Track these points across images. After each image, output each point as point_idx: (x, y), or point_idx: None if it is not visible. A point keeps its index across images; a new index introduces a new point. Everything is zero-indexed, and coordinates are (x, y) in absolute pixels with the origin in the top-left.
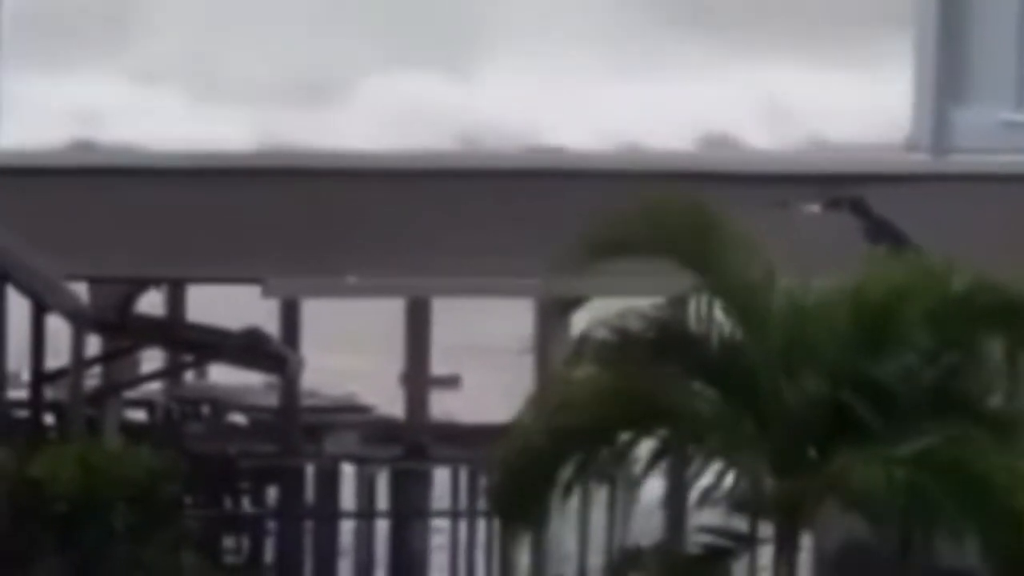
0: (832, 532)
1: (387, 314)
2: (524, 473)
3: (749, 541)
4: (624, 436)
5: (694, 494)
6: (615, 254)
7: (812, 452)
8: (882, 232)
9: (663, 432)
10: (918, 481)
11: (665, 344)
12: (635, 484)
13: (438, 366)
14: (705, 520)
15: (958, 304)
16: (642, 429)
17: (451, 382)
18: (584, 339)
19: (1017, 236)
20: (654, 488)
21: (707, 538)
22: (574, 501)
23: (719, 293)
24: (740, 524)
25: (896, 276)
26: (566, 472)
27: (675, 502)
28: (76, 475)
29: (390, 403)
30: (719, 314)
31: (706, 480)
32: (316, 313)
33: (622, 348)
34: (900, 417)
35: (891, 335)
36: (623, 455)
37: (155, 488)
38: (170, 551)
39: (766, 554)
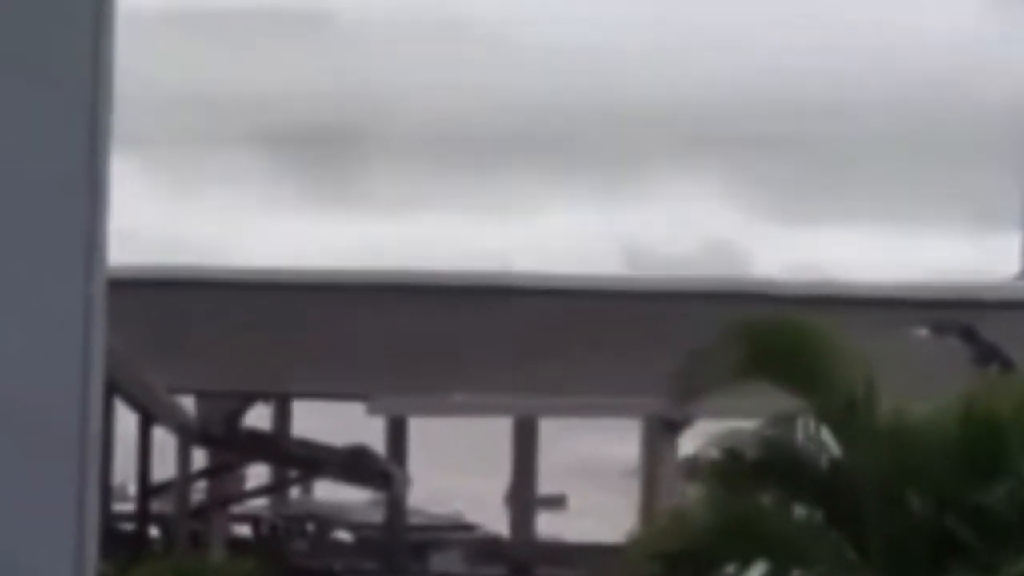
0: None
1: (493, 433)
2: None
3: None
4: (730, 566)
5: None
6: (721, 378)
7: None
8: (990, 358)
9: (769, 561)
10: None
11: (772, 466)
12: None
13: (544, 485)
14: None
15: None
16: (748, 558)
17: (557, 502)
18: (693, 461)
19: None
20: None
21: None
22: None
23: (824, 413)
24: None
25: (1002, 400)
26: None
27: None
28: None
29: (496, 522)
30: (825, 435)
31: None
32: (423, 430)
33: (730, 470)
34: (1002, 541)
35: (997, 459)
36: None
37: None
38: None
39: None
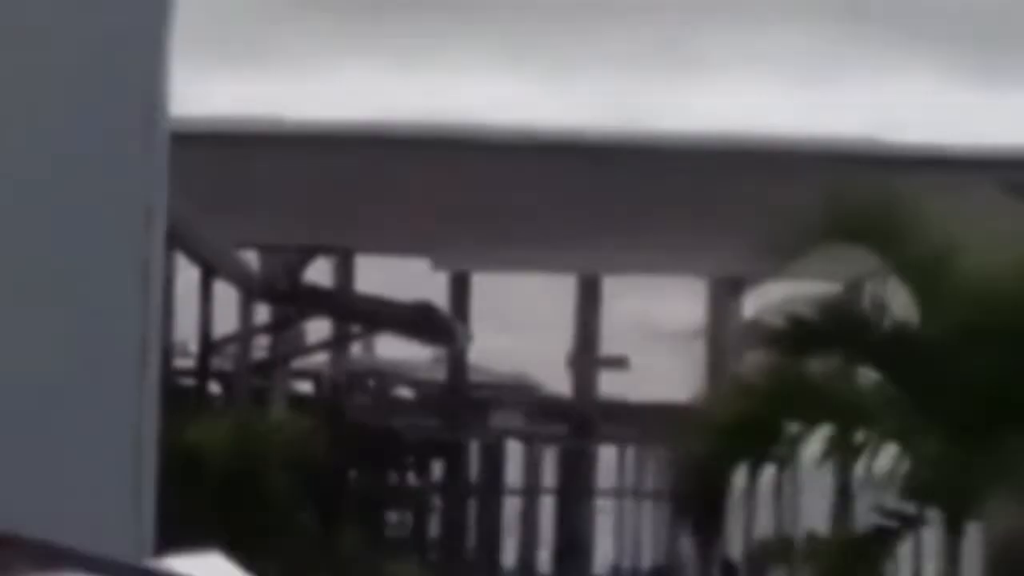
0: (1001, 521)
1: (558, 294)
2: (702, 468)
3: (916, 523)
4: (794, 427)
5: (862, 478)
6: (801, 240)
7: (984, 437)
8: None
9: (831, 424)
10: None
11: (836, 329)
12: (805, 471)
13: (606, 346)
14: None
15: None
16: (812, 420)
17: (619, 363)
18: (756, 324)
19: None
20: (821, 470)
21: (876, 518)
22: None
23: (898, 271)
24: (907, 509)
25: None
26: (740, 460)
27: (843, 485)
28: (231, 442)
29: (557, 381)
30: (893, 296)
31: (875, 464)
32: (486, 289)
33: (792, 334)
34: None
35: None
36: (794, 445)
37: (310, 456)
38: (329, 521)
39: (931, 542)
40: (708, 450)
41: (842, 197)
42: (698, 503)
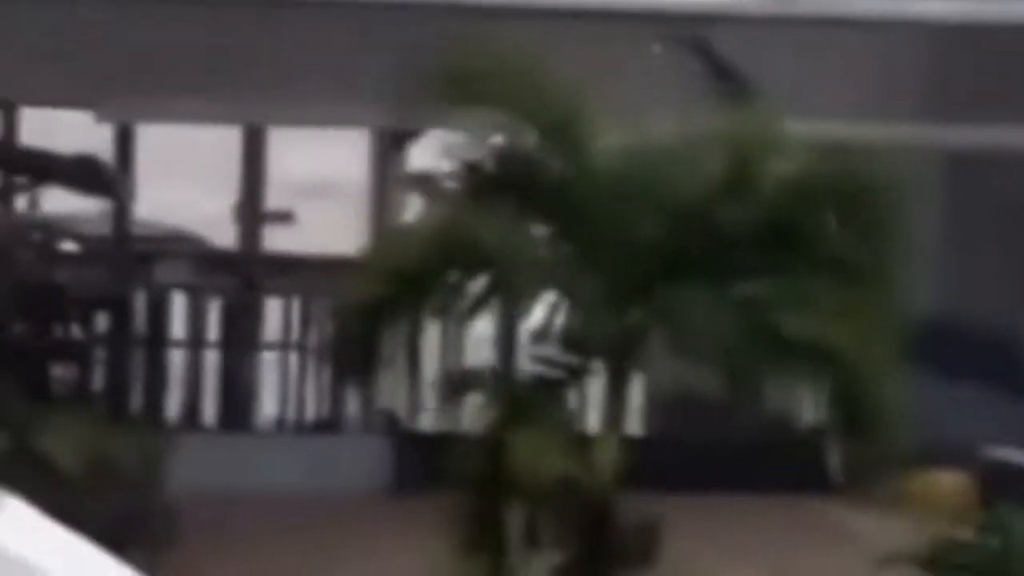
0: (664, 377)
1: (223, 147)
2: (359, 318)
3: (579, 373)
4: (453, 278)
5: (524, 330)
6: (438, 96)
7: (644, 291)
8: (725, 76)
9: (492, 272)
10: (747, 324)
11: (501, 180)
12: (464, 320)
13: (272, 200)
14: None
15: (807, 183)
16: (470, 270)
17: (285, 217)
18: (419, 176)
19: (857, 83)
20: (485, 326)
21: (539, 368)
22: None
23: (545, 134)
24: (570, 360)
25: (746, 123)
26: (399, 314)
27: (505, 338)
28: None
29: (223, 235)
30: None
31: (537, 316)
32: (151, 144)
33: (464, 183)
34: (734, 261)
35: (738, 183)
36: (452, 295)
37: None
38: None
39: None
40: (366, 301)
41: (462, 58)
42: (353, 354)
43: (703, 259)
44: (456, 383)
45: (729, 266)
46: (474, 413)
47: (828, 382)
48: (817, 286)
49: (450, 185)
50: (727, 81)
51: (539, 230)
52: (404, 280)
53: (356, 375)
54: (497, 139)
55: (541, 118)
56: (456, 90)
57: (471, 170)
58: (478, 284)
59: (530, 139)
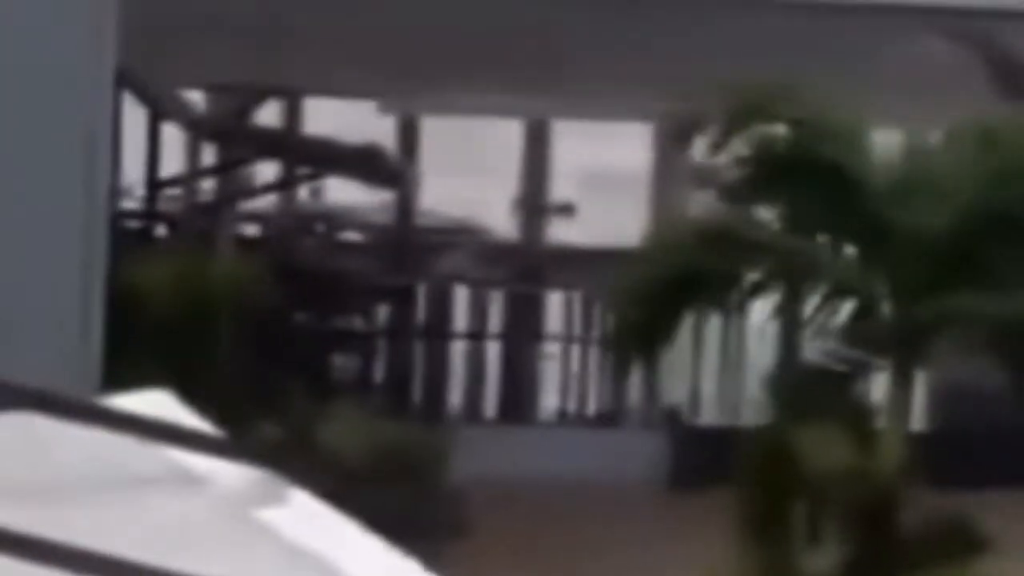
0: (946, 371)
1: (506, 139)
2: (642, 306)
3: (864, 368)
4: (729, 268)
5: (809, 327)
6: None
7: (935, 288)
8: (1010, 68)
9: (769, 264)
10: None
11: (787, 174)
12: (739, 309)
13: (555, 192)
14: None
15: None
16: (746, 262)
17: (566, 209)
18: (704, 169)
19: None
20: (769, 323)
21: (824, 361)
22: (686, 326)
23: (832, 133)
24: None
25: None
26: (678, 303)
27: (788, 335)
28: (176, 284)
29: (505, 226)
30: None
31: (822, 313)
32: (435, 134)
33: (742, 178)
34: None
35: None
36: (728, 287)
37: (250, 296)
38: (273, 364)
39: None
40: (651, 298)
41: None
42: (638, 349)
43: (990, 257)
44: (739, 377)
45: (1016, 266)
46: (756, 408)
47: None
48: None
49: (732, 178)
50: (1012, 77)
51: (822, 225)
52: (682, 270)
53: (635, 361)
54: (788, 134)
55: (828, 117)
56: (747, 100)
57: (757, 163)
58: (754, 276)
59: (816, 136)
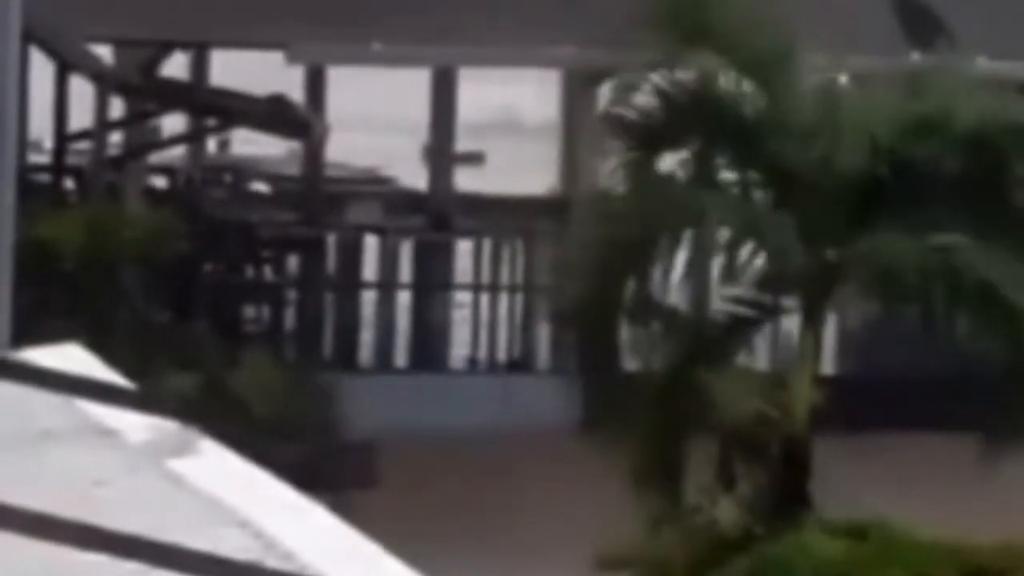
0: (852, 312)
1: (412, 88)
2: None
3: (773, 311)
4: (663, 240)
5: (718, 268)
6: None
7: (843, 229)
8: (914, 9)
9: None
10: (947, 268)
11: (695, 118)
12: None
13: (462, 141)
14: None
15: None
16: (677, 232)
17: (475, 158)
18: (610, 116)
19: None
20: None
21: (732, 307)
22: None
23: (745, 68)
24: (764, 299)
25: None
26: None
27: (698, 276)
28: (85, 236)
29: (414, 175)
30: (748, 88)
31: (732, 259)
32: (341, 86)
33: (650, 124)
34: (933, 200)
35: (936, 127)
36: (664, 255)
37: (159, 248)
38: (184, 315)
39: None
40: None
41: None
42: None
43: (899, 203)
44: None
45: (924, 212)
46: (663, 352)
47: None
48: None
49: (640, 124)
50: (918, 17)
51: (731, 170)
52: (620, 247)
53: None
54: (693, 77)
55: (744, 55)
56: (677, 19)
57: (656, 110)
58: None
59: (726, 79)
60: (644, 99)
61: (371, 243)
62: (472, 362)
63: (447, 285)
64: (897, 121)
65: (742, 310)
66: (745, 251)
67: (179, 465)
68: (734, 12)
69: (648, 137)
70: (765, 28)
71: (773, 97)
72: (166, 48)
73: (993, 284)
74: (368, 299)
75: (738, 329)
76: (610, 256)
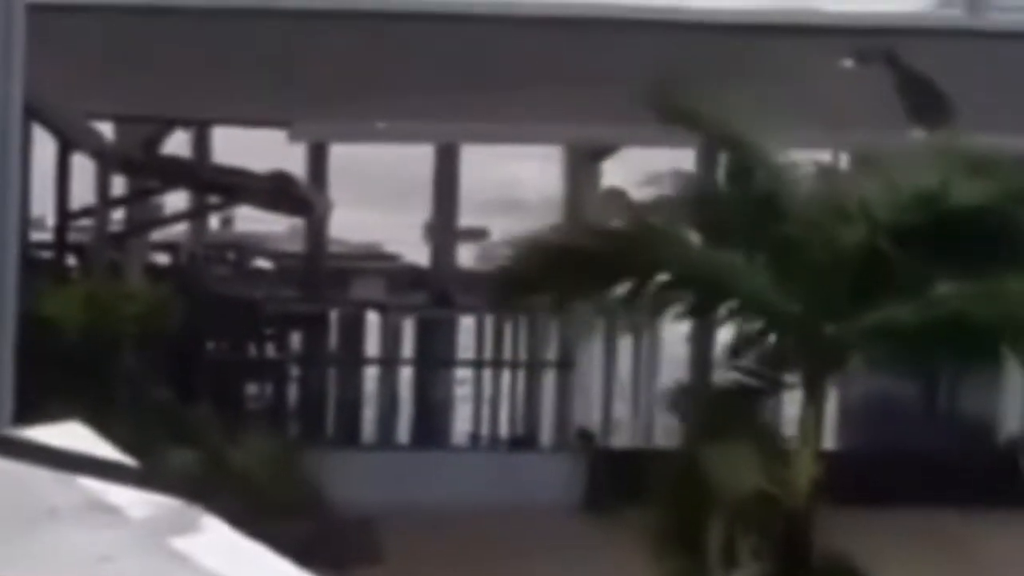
0: (855, 384)
1: (415, 166)
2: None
3: (777, 385)
4: (630, 287)
5: (720, 345)
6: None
7: (845, 302)
8: (917, 86)
9: (695, 293)
10: (956, 327)
11: (696, 200)
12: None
13: (465, 217)
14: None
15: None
16: (647, 278)
17: (478, 234)
18: (613, 193)
19: None
20: (681, 345)
21: (735, 382)
22: (599, 351)
23: (746, 152)
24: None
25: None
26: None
27: (701, 353)
28: (86, 313)
29: (416, 252)
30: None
31: (734, 330)
32: (344, 163)
33: (653, 207)
34: (932, 267)
35: (933, 199)
36: (630, 304)
37: (161, 324)
38: (186, 393)
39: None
40: (565, 319)
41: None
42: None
43: (900, 271)
44: (651, 399)
45: (924, 273)
46: (669, 429)
47: None
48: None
49: (641, 201)
50: (920, 94)
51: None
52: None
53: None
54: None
55: (736, 138)
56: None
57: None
58: (663, 277)
59: (727, 160)
60: (649, 178)
61: (373, 319)
62: (474, 438)
63: (449, 361)
64: (892, 198)
65: (747, 384)
66: (750, 325)
67: (183, 542)
68: (727, 94)
69: (648, 211)
70: (761, 107)
71: (774, 175)
72: (168, 125)
73: (997, 328)
74: (371, 375)
75: (744, 403)
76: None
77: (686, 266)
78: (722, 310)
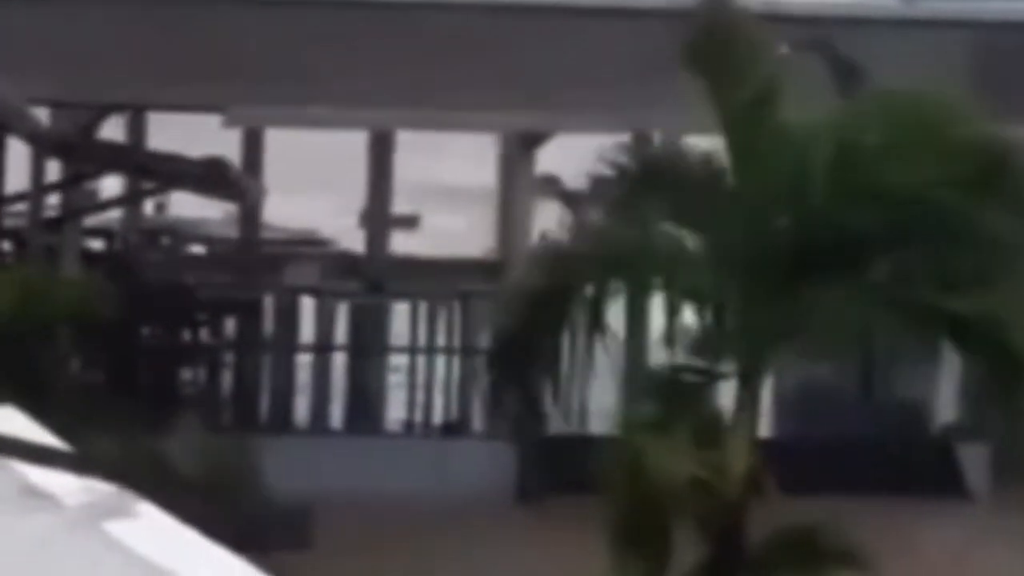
0: (789, 374)
1: (349, 152)
2: (512, 334)
3: (710, 376)
4: (593, 291)
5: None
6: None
7: (780, 290)
8: (851, 75)
9: (627, 283)
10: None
11: (654, 181)
12: (602, 331)
13: (399, 205)
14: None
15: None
16: (609, 280)
17: (411, 221)
18: (548, 180)
19: (982, 83)
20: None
21: (671, 364)
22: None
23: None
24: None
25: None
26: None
27: (636, 342)
28: (19, 298)
29: (350, 238)
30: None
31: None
32: (278, 149)
33: (614, 186)
34: (863, 261)
35: (866, 181)
36: (596, 308)
37: (94, 310)
38: (120, 378)
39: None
40: (514, 317)
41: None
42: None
43: (833, 252)
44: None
45: (859, 253)
46: (604, 418)
47: (981, 354)
48: (954, 258)
49: (580, 189)
50: (852, 82)
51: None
52: (550, 296)
53: (513, 379)
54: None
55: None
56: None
57: (621, 172)
58: (606, 288)
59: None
60: (604, 162)
61: (308, 305)
62: (408, 425)
63: (383, 348)
64: (828, 183)
65: (684, 373)
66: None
67: (117, 527)
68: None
69: (588, 199)
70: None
71: (707, 158)
72: (104, 110)
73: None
74: (304, 361)
75: (678, 394)
76: (536, 309)
77: (623, 254)
78: (657, 297)
